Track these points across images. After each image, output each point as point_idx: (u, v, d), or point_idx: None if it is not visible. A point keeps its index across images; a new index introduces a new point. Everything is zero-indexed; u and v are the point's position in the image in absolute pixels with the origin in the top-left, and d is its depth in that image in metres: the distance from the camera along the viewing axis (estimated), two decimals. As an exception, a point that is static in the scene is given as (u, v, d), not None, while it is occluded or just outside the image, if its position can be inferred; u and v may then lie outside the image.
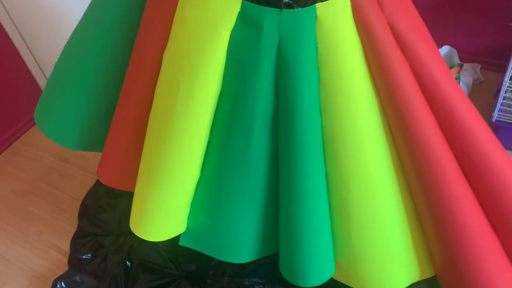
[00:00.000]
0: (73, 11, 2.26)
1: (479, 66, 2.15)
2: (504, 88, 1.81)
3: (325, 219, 1.07)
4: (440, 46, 2.02)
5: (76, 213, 1.90)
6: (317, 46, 0.91)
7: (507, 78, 1.75)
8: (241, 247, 1.15)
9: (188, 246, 1.19)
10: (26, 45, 2.10)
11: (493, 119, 1.84)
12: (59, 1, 2.16)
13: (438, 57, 0.97)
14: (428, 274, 1.17)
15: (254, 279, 1.42)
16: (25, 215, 1.91)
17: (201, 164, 1.07)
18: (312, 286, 1.13)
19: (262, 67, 0.92)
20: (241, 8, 0.88)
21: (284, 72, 0.92)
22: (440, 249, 1.08)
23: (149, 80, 1.03)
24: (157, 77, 1.02)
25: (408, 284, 1.18)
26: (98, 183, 1.97)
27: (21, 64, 2.11)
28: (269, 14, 0.87)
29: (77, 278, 1.69)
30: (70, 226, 1.87)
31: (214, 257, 1.17)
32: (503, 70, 2.10)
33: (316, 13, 0.88)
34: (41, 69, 2.21)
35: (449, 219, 1.02)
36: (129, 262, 1.69)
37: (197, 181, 1.09)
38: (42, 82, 2.24)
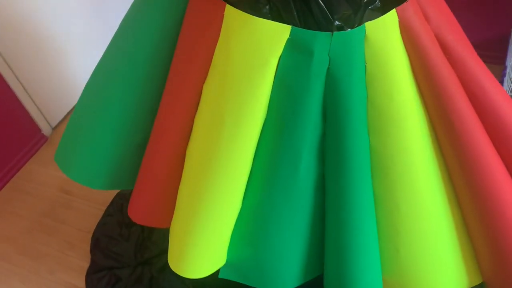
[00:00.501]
0: (66, 43, 2.21)
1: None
2: (508, 80, 1.82)
3: (373, 238, 1.05)
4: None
5: (88, 247, 1.83)
6: (365, 65, 0.88)
7: (508, 70, 1.76)
8: (285, 274, 1.12)
9: (229, 278, 1.15)
10: (15, 76, 2.02)
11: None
12: (49, 30, 2.10)
13: (485, 68, 0.96)
14: (476, 281, 1.16)
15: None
16: (34, 255, 1.83)
17: (243, 194, 1.04)
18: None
19: (312, 91, 0.89)
20: (291, 34, 0.84)
21: (334, 94, 0.89)
22: (491, 256, 1.07)
23: (187, 114, 0.98)
24: (196, 111, 0.97)
25: (457, 292, 1.17)
26: (106, 214, 1.90)
27: (11, 96, 2.03)
28: (320, 38, 0.84)
29: (99, 316, 1.63)
30: (83, 261, 1.80)
31: (257, 286, 1.13)
32: (500, 62, 2.12)
33: (365, 33, 0.85)
34: (33, 101, 2.13)
35: (501, 226, 1.01)
36: None
37: (238, 212, 1.05)
38: (35, 114, 2.16)
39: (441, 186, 1.03)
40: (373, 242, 1.05)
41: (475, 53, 0.98)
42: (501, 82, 1.99)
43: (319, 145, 0.96)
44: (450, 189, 1.05)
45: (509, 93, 1.87)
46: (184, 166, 1.02)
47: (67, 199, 2.01)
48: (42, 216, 1.96)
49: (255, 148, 0.98)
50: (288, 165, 0.97)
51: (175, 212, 1.07)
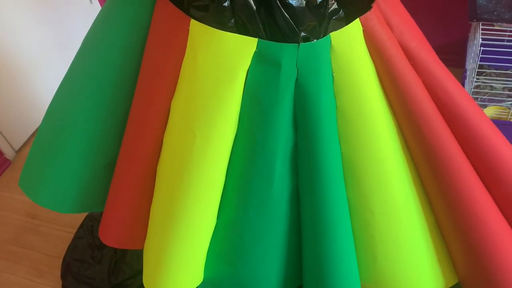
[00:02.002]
0: (27, 63, 2.15)
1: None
2: (469, 83, 1.88)
3: (350, 246, 1.05)
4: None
5: (58, 272, 1.77)
6: (333, 75, 0.89)
7: (473, 74, 1.82)
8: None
9: (207, 296, 1.12)
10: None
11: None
12: (9, 52, 2.04)
13: (447, 71, 0.99)
14: (452, 282, 1.18)
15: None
16: (2, 284, 1.75)
17: (217, 211, 1.02)
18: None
19: (282, 103, 0.88)
20: (257, 47, 0.84)
21: (303, 105, 0.89)
22: (464, 255, 1.08)
23: (155, 131, 0.96)
24: (164, 128, 0.96)
25: (434, 295, 1.18)
26: (76, 237, 1.84)
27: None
28: (287, 50, 0.84)
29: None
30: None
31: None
32: (459, 65, 2.18)
33: (331, 42, 0.86)
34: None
35: (473, 226, 1.02)
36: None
37: (213, 228, 1.04)
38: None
39: (413, 191, 1.04)
40: (350, 250, 1.05)
41: (437, 58, 1.00)
42: (463, 85, 2.05)
43: (292, 157, 0.96)
44: (422, 193, 1.06)
45: (470, 95, 1.92)
46: (156, 184, 1.00)
47: (34, 223, 1.95)
48: (8, 244, 1.89)
49: (227, 162, 0.96)
50: (262, 179, 0.96)
51: (148, 231, 1.04)
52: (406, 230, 1.05)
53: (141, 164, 1.01)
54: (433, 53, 1.00)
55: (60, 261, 1.78)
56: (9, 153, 2.17)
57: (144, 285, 1.08)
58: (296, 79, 0.87)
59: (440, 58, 1.02)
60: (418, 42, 0.95)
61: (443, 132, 0.96)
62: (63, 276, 1.74)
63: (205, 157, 0.91)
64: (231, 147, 0.95)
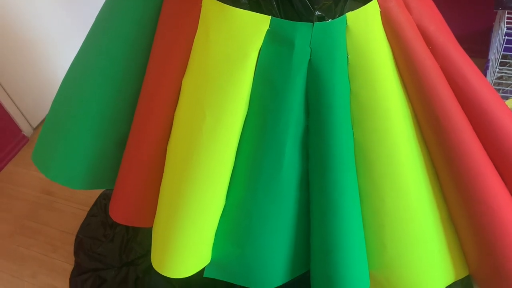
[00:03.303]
0: (46, 43, 2.17)
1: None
2: (491, 73, 1.83)
3: (359, 233, 1.04)
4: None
5: (71, 248, 1.79)
6: (347, 57, 0.87)
7: (496, 64, 1.77)
8: (271, 271, 1.10)
9: (215, 277, 1.12)
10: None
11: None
12: (29, 31, 2.06)
13: (467, 58, 0.95)
14: (463, 274, 1.16)
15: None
16: (17, 258, 1.79)
17: (226, 192, 1.01)
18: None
19: (294, 84, 0.87)
20: (270, 25, 0.82)
21: (316, 87, 0.87)
22: (476, 247, 1.06)
23: (166, 109, 0.96)
24: (175, 106, 0.95)
25: (444, 286, 1.16)
26: (90, 215, 1.87)
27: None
28: (301, 29, 0.82)
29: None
30: (66, 264, 1.76)
31: (243, 285, 1.11)
32: (482, 55, 2.13)
33: (346, 23, 0.84)
34: (13, 102, 2.09)
35: (487, 218, 1.00)
36: (139, 291, 1.61)
37: (221, 210, 1.03)
38: (15, 115, 2.12)
39: (426, 180, 1.02)
40: (359, 237, 1.04)
41: (457, 44, 0.97)
42: (484, 76, 2.00)
43: (302, 140, 0.95)
44: (435, 183, 1.04)
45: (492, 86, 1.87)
46: (166, 163, 1.00)
47: (50, 200, 1.97)
48: (24, 219, 1.92)
49: (237, 143, 0.95)
50: (272, 161, 0.95)
51: (157, 210, 1.05)
52: (417, 220, 1.03)
53: (151, 142, 1.00)
54: (453, 38, 0.97)
55: (74, 237, 1.81)
56: (27, 131, 2.20)
57: (153, 264, 1.09)
58: (310, 60, 0.85)
59: (463, 48, 0.99)
60: (438, 26, 0.92)
61: (460, 120, 0.93)
62: (76, 253, 1.77)
63: (215, 136, 0.90)
64: (241, 128, 0.94)
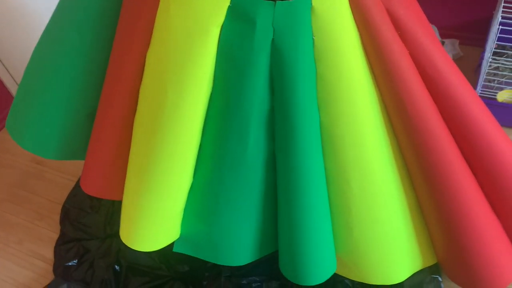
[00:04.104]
0: (39, 6, 2.15)
1: (458, 41, 2.14)
2: (486, 63, 1.80)
3: (325, 216, 1.04)
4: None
5: (58, 218, 1.82)
6: (313, 39, 0.86)
7: (489, 54, 1.74)
8: (239, 250, 1.11)
9: (183, 252, 1.14)
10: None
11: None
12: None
13: (438, 44, 0.94)
14: (430, 262, 1.17)
15: (252, 278, 1.38)
16: (3, 224, 1.82)
17: (193, 169, 1.02)
18: (315, 284, 1.11)
19: (257, 64, 0.86)
20: (231, 1, 0.82)
21: (280, 68, 0.87)
22: (443, 235, 1.06)
23: (132, 83, 0.96)
24: (141, 79, 0.95)
25: (411, 273, 1.17)
26: (78, 185, 1.89)
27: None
28: (263, 7, 0.81)
29: (65, 287, 1.62)
30: (52, 233, 1.79)
31: (211, 261, 1.13)
32: (482, 44, 2.10)
33: (311, 4, 0.83)
34: (6, 69, 2.09)
35: (452, 205, 1.01)
36: (118, 266, 1.63)
37: (189, 186, 1.04)
38: (8, 83, 2.13)
39: (394, 166, 1.02)
40: (324, 219, 1.04)
41: (430, 29, 0.95)
42: (480, 65, 1.97)
43: (268, 121, 0.95)
44: (404, 170, 1.04)
45: (485, 76, 1.85)
46: (132, 136, 1.01)
47: (39, 169, 2.00)
48: (14, 186, 1.95)
49: (202, 121, 0.96)
50: (236, 141, 0.95)
51: (125, 183, 1.06)
52: (384, 205, 1.03)
53: (118, 115, 1.01)
54: (426, 24, 0.95)
55: (60, 207, 1.84)
56: (21, 99, 2.21)
57: (121, 236, 1.10)
58: (273, 39, 0.85)
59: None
60: (408, 9, 0.91)
61: (428, 108, 0.93)
62: (62, 222, 1.80)
63: (177, 112, 0.90)
64: (206, 105, 0.94)
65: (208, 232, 1.08)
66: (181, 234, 1.12)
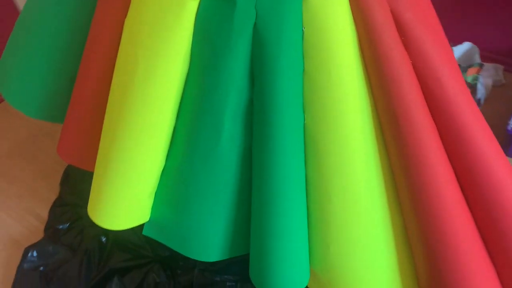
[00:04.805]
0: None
1: (502, 67, 1.99)
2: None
3: (300, 226, 0.97)
4: (460, 42, 1.86)
5: (59, 180, 1.83)
6: (303, 30, 0.78)
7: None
8: (209, 245, 1.06)
9: (152, 237, 1.10)
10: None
11: (509, 127, 1.70)
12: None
13: (450, 59, 0.84)
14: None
15: (226, 276, 1.33)
16: (8, 177, 1.85)
17: (166, 152, 0.97)
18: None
19: (235, 49, 0.80)
20: None
21: (260, 58, 0.80)
22: (426, 266, 0.97)
23: (109, 49, 0.91)
24: (118, 47, 0.90)
25: (389, 304, 1.08)
26: (84, 151, 1.89)
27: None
28: None
29: (50, 248, 1.63)
30: (51, 193, 1.81)
31: (180, 252, 1.08)
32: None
33: None
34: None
35: (438, 237, 0.91)
36: (104, 237, 1.62)
37: (160, 170, 0.99)
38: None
39: (381, 185, 0.93)
40: (299, 228, 0.97)
41: (443, 40, 0.85)
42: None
43: (246, 113, 0.87)
44: (392, 190, 0.95)
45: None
46: (107, 107, 0.96)
47: (52, 129, 2.02)
48: (24, 142, 1.97)
49: (176, 101, 0.90)
50: (209, 131, 0.89)
51: (97, 156, 1.02)
52: (365, 227, 0.95)
53: (95, 82, 0.97)
54: (439, 34, 0.86)
55: (63, 170, 1.85)
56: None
57: (88, 211, 1.08)
58: (255, 23, 0.77)
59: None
60: (418, 14, 0.81)
61: (424, 125, 0.83)
62: (62, 184, 1.81)
63: (147, 86, 0.85)
64: (181, 85, 0.88)
65: (176, 221, 1.04)
66: (150, 218, 1.08)
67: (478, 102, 1.85)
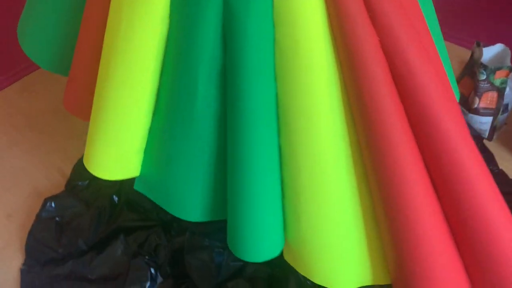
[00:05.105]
0: None
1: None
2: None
3: (272, 194, 0.99)
4: (493, 43, 1.80)
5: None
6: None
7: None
8: (188, 205, 1.11)
9: (141, 192, 1.17)
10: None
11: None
12: None
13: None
14: (383, 281, 1.06)
15: (215, 242, 1.39)
16: (42, 133, 1.99)
17: (150, 110, 1.02)
18: (254, 261, 1.08)
19: (206, 14, 0.83)
20: None
21: (230, 25, 0.83)
22: (392, 253, 0.97)
23: (104, 4, 0.97)
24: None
25: (359, 285, 1.08)
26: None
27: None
28: None
29: (68, 201, 1.75)
30: (78, 152, 1.92)
31: (164, 208, 1.14)
32: None
33: None
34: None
35: (405, 227, 0.91)
36: (117, 197, 1.72)
37: (145, 128, 1.05)
38: None
39: (349, 160, 0.93)
40: (271, 198, 0.99)
41: (421, 27, 0.84)
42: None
43: (220, 79, 0.91)
44: (360, 166, 0.94)
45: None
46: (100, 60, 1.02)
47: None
48: (60, 103, 2.09)
49: (157, 61, 0.95)
50: (185, 94, 0.93)
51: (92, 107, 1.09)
52: (333, 202, 0.96)
53: (93, 34, 1.03)
54: (416, 16, 0.84)
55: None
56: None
57: (83, 161, 1.15)
58: None
59: None
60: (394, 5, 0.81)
61: (389, 109, 0.83)
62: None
63: (128, 45, 0.90)
64: (161, 46, 0.93)
65: (161, 179, 1.09)
66: (140, 174, 1.14)
67: (505, 107, 1.78)
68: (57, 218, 1.72)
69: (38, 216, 1.73)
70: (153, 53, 0.93)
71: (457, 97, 1.25)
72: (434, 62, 0.85)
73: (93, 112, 1.06)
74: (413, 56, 0.81)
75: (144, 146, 1.08)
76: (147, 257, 1.58)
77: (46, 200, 1.74)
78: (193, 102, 0.93)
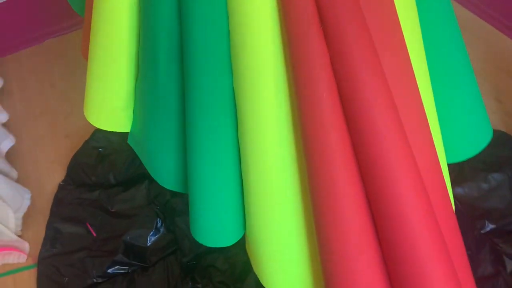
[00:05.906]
0: None
1: None
2: None
3: (223, 182, 0.96)
4: None
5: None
6: None
7: None
8: (163, 171, 1.13)
9: (132, 146, 1.21)
10: None
11: None
12: None
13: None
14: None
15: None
16: (66, 94, 2.17)
17: (131, 74, 1.04)
18: (207, 245, 1.08)
19: None
20: None
21: (182, 8, 0.80)
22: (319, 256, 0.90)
23: None
24: None
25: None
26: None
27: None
28: None
29: (113, 137, 1.89)
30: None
31: (146, 167, 1.18)
32: None
33: None
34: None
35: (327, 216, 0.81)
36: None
37: (128, 87, 1.07)
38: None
39: (293, 162, 0.85)
40: (224, 186, 0.96)
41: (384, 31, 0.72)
42: None
43: (179, 52, 0.89)
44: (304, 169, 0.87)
45: None
46: None
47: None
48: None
49: (132, 27, 0.95)
50: (149, 63, 0.93)
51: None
52: (277, 201, 0.90)
53: None
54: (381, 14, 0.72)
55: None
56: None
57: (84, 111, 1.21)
58: None
59: None
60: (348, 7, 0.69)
61: (327, 115, 0.73)
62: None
63: (103, 10, 0.94)
64: (135, 16, 0.94)
65: (143, 139, 1.12)
66: (131, 130, 1.18)
67: None
68: (100, 149, 1.88)
69: (85, 143, 1.91)
70: (125, 23, 0.94)
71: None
72: (394, 66, 0.72)
73: (87, 70, 1.12)
74: (357, 58, 0.67)
75: (129, 104, 1.12)
76: (158, 207, 1.67)
77: (95, 131, 1.90)
78: (156, 72, 0.94)
